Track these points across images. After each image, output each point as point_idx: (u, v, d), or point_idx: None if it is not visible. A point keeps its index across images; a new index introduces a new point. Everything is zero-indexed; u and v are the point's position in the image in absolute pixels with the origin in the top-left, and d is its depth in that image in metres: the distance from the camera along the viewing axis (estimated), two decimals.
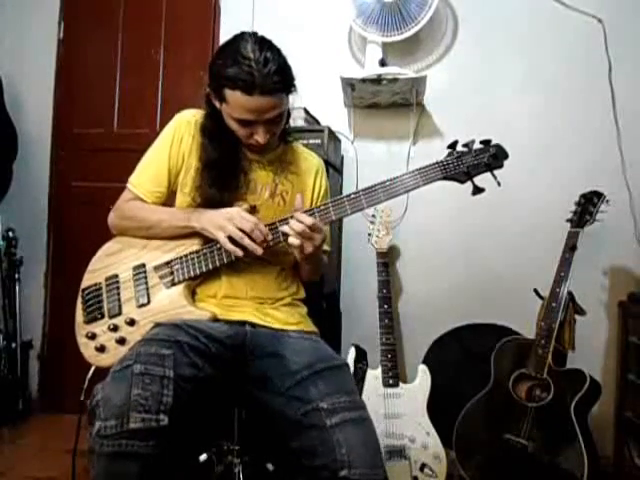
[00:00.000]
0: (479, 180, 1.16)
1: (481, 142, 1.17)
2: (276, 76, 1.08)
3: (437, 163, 1.16)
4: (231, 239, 1.13)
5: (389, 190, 1.15)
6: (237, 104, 1.11)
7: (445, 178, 1.16)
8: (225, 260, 1.18)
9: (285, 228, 1.14)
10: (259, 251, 1.13)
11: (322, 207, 1.16)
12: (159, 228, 1.23)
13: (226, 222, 1.13)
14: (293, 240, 1.12)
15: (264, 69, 1.06)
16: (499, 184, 1.16)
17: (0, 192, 2.36)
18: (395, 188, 1.15)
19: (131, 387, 0.92)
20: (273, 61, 1.08)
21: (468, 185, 1.17)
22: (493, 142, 1.17)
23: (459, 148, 1.17)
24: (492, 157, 1.15)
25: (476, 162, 1.15)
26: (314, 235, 1.13)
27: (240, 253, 1.14)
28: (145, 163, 1.30)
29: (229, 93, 1.10)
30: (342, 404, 1.01)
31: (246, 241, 1.12)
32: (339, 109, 2.28)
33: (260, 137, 1.16)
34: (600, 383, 1.62)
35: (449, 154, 1.17)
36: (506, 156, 1.16)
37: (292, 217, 1.13)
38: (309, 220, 1.11)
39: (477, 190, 1.16)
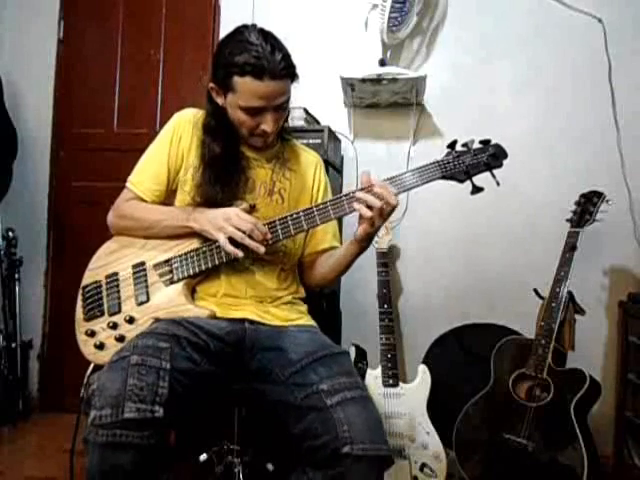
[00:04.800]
0: (478, 179, 1.16)
1: (480, 142, 1.17)
2: (283, 62, 1.10)
3: (436, 162, 1.16)
4: (231, 240, 1.13)
5: None
6: (247, 91, 1.11)
7: (444, 177, 1.16)
8: (225, 259, 1.18)
9: (358, 203, 1.11)
10: (261, 249, 1.13)
11: (321, 206, 1.16)
12: (157, 228, 1.23)
13: (225, 223, 1.13)
14: (366, 211, 1.10)
15: (272, 55, 1.09)
16: (498, 184, 1.16)
17: (0, 192, 2.35)
18: (394, 187, 1.15)
19: (127, 377, 0.93)
20: (279, 48, 1.11)
21: (467, 185, 1.17)
22: (492, 142, 1.17)
23: (458, 148, 1.17)
24: (491, 156, 1.15)
25: (475, 161, 1.15)
26: (385, 211, 1.11)
27: (240, 254, 1.13)
28: (144, 162, 1.30)
29: (238, 80, 1.11)
30: (342, 385, 1.02)
31: (247, 241, 1.12)
32: (339, 109, 2.28)
33: (268, 126, 1.16)
34: (600, 383, 1.62)
35: (448, 153, 1.17)
36: (505, 156, 1.16)
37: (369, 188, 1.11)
38: (391, 197, 1.09)
39: (476, 189, 1.16)
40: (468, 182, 1.17)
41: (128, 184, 1.29)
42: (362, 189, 1.12)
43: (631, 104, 2.06)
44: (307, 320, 1.29)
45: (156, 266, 1.22)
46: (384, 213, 1.11)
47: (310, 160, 1.38)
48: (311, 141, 1.81)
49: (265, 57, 1.08)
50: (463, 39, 2.19)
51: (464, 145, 1.16)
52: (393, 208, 1.11)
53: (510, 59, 2.16)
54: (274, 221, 1.17)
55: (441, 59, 2.21)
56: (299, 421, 1.01)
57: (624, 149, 2.06)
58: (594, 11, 2.08)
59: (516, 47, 2.16)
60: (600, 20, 2.08)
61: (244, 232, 1.11)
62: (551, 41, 2.13)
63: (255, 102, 1.13)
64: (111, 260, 1.26)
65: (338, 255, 1.29)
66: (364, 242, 1.21)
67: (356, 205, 1.11)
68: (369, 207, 1.09)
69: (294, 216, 1.17)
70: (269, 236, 1.16)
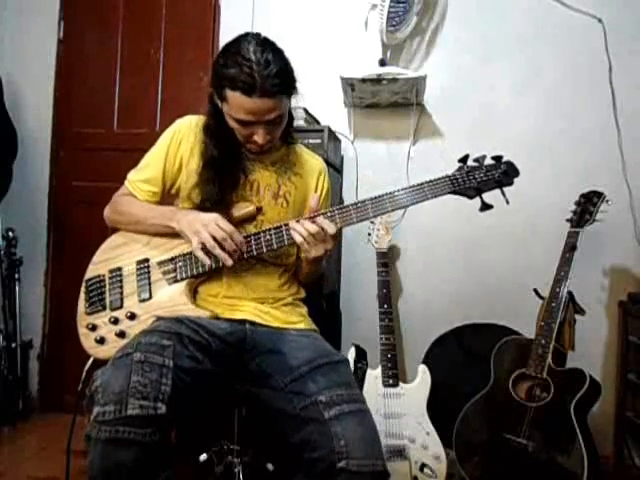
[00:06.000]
0: (486, 196, 1.16)
1: (492, 158, 1.17)
2: (277, 78, 1.08)
3: (447, 177, 1.15)
4: (204, 246, 1.14)
5: (396, 201, 1.15)
6: (237, 105, 1.11)
7: (454, 192, 1.16)
8: None
9: (292, 231, 1.14)
10: (229, 262, 1.14)
11: (329, 214, 1.16)
12: (144, 224, 1.24)
13: (201, 228, 1.14)
14: (301, 242, 1.13)
15: (264, 71, 1.06)
16: (507, 202, 1.15)
17: (0, 192, 2.35)
18: (402, 200, 1.15)
19: (130, 374, 0.93)
20: (274, 63, 1.08)
21: None
22: (505, 158, 1.16)
23: (470, 162, 1.16)
24: (503, 174, 1.14)
25: (486, 178, 1.15)
26: (325, 240, 1.14)
27: (207, 263, 1.15)
28: (143, 162, 1.32)
29: (229, 93, 1.10)
30: (340, 397, 1.02)
31: (216, 251, 1.13)
32: (339, 109, 2.28)
33: (259, 138, 1.16)
34: (600, 383, 1.62)
35: (459, 168, 1.16)
36: (517, 174, 1.15)
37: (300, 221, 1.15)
38: (313, 228, 1.12)
39: (485, 207, 1.15)
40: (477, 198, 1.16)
41: (126, 181, 1.32)
42: (304, 218, 1.15)
43: (631, 104, 2.06)
44: (308, 324, 1.28)
45: (160, 264, 1.22)
46: (318, 246, 1.14)
47: (315, 165, 1.38)
48: (311, 141, 1.82)
49: (257, 73, 1.06)
50: (463, 39, 2.19)
51: (476, 160, 1.16)
52: (327, 243, 1.15)
53: (510, 59, 2.16)
54: (280, 225, 1.17)
55: (441, 59, 2.21)
56: (297, 431, 1.02)
57: (624, 149, 2.06)
58: (594, 11, 2.08)
59: (516, 47, 2.15)
60: (600, 20, 2.08)
61: (217, 240, 1.12)
62: (551, 41, 2.13)
63: (244, 116, 1.12)
64: (115, 255, 1.27)
65: (304, 265, 1.31)
66: (311, 264, 1.25)
67: (292, 231, 1.14)
68: (303, 235, 1.13)
69: (277, 229, 1.17)
70: (244, 248, 1.16)
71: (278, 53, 1.12)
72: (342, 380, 1.07)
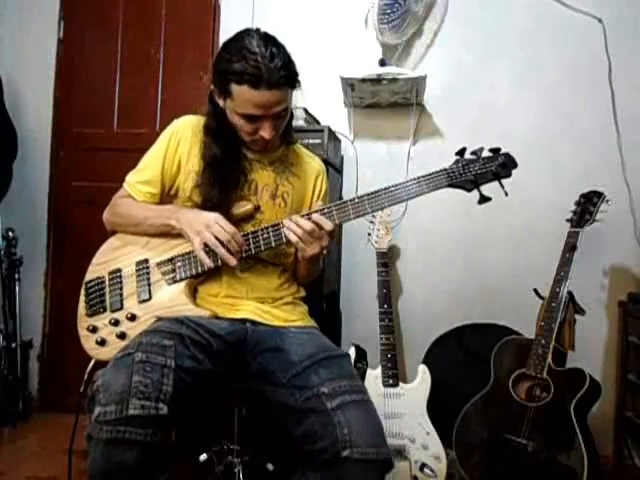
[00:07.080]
0: (485, 189, 1.15)
1: (490, 150, 1.16)
2: (282, 70, 1.08)
3: (443, 170, 1.15)
4: (206, 246, 1.13)
5: (393, 196, 1.15)
6: (244, 99, 1.11)
7: (451, 186, 1.15)
8: None
9: (286, 230, 1.14)
10: (233, 261, 1.14)
11: (326, 211, 1.16)
12: (144, 225, 1.24)
13: (203, 228, 1.14)
14: (296, 240, 1.13)
15: (270, 63, 1.07)
16: (506, 194, 1.14)
17: (0, 192, 2.35)
18: (399, 194, 1.14)
19: (132, 374, 0.93)
20: (279, 56, 1.09)
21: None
22: (502, 150, 1.15)
23: (467, 155, 1.15)
24: (500, 166, 1.14)
25: (483, 170, 1.14)
26: (321, 236, 1.14)
27: (210, 265, 1.15)
28: (142, 164, 1.31)
29: (235, 88, 1.10)
30: (342, 388, 1.02)
31: (220, 250, 1.13)
32: (339, 109, 2.28)
33: (266, 132, 1.16)
34: (600, 383, 1.62)
35: (456, 161, 1.15)
36: (515, 165, 1.14)
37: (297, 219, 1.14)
38: (308, 225, 1.12)
39: (483, 199, 1.14)
40: (475, 191, 1.16)
41: (124, 183, 1.32)
42: (299, 216, 1.14)
43: (631, 104, 2.06)
44: (307, 321, 1.29)
45: (159, 264, 1.22)
46: (314, 243, 1.13)
47: (313, 167, 1.38)
48: (311, 141, 1.81)
49: (263, 66, 1.06)
50: (463, 37, 2.19)
51: (473, 153, 1.15)
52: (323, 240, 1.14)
53: (510, 59, 2.16)
54: (278, 223, 1.17)
55: (441, 58, 2.21)
56: (299, 424, 1.02)
57: (624, 149, 2.06)
58: (594, 11, 2.08)
59: (516, 47, 2.15)
60: (600, 20, 2.08)
61: (220, 241, 1.12)
62: (551, 41, 2.13)
63: (251, 110, 1.12)
64: (115, 256, 1.26)
65: (302, 265, 1.31)
66: (308, 263, 1.25)
67: (285, 230, 1.14)
68: (297, 234, 1.12)
69: (274, 227, 1.17)
70: (245, 248, 1.16)
71: (281, 46, 1.13)
72: (344, 372, 1.08)
